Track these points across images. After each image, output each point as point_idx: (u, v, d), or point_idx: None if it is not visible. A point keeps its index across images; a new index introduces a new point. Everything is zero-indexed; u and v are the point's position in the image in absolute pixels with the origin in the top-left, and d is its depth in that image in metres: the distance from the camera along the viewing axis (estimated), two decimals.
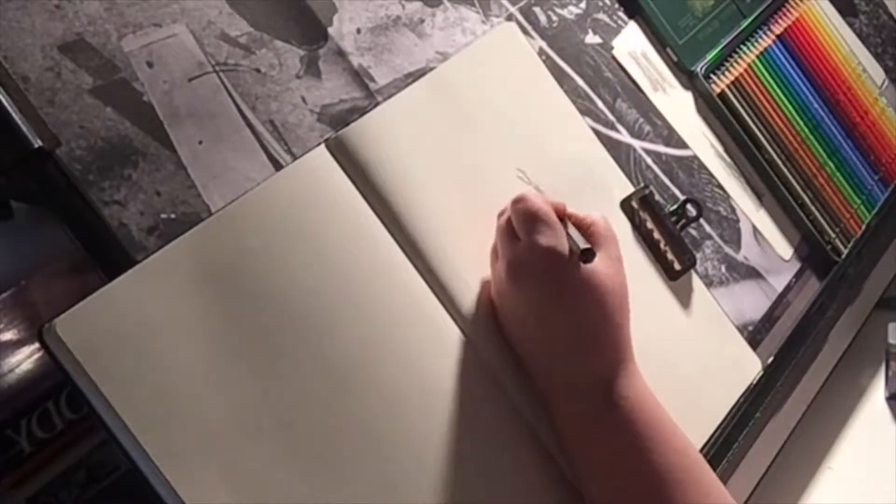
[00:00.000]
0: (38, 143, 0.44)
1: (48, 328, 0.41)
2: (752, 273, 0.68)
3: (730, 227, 0.68)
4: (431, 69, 0.57)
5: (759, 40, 0.74)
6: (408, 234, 0.51)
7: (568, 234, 0.48)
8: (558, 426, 0.49)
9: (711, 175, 0.69)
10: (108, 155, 0.47)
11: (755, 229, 0.69)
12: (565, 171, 0.59)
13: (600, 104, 0.65)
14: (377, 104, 0.55)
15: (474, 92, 0.57)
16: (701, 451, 0.57)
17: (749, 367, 0.63)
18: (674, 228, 0.61)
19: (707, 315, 0.62)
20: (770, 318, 0.67)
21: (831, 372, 0.78)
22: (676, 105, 0.70)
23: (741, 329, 0.64)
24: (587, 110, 0.64)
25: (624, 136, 0.65)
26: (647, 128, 0.67)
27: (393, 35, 0.59)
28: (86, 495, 0.49)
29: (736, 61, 0.72)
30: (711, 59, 0.71)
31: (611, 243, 0.50)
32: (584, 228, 0.50)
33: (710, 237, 0.66)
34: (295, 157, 0.51)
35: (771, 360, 0.65)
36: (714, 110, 0.71)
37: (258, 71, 0.53)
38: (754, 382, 0.63)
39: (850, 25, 0.83)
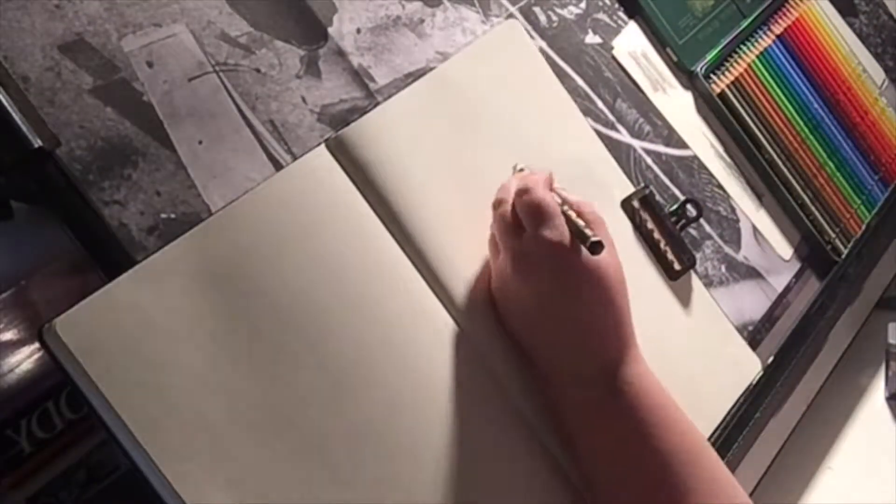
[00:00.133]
0: (38, 143, 0.44)
1: (48, 328, 0.41)
2: (752, 273, 0.68)
3: (730, 227, 0.68)
4: (431, 69, 0.57)
5: (759, 40, 0.74)
6: (408, 233, 0.51)
7: (572, 222, 0.48)
8: (562, 415, 0.49)
9: (711, 175, 0.69)
10: (108, 155, 0.47)
11: (755, 229, 0.69)
12: (566, 171, 0.59)
13: (600, 104, 0.65)
14: (377, 104, 0.55)
15: (475, 91, 0.57)
16: (708, 442, 0.57)
17: (749, 367, 0.63)
18: (674, 228, 0.61)
19: (707, 315, 0.62)
20: (770, 318, 0.67)
21: (831, 372, 0.78)
22: (676, 105, 0.70)
23: (741, 329, 0.64)
24: (587, 110, 0.64)
25: (624, 136, 0.65)
26: (647, 128, 0.67)
27: (393, 35, 0.59)
28: (86, 495, 0.49)
29: (736, 61, 0.72)
30: (711, 59, 0.71)
31: (603, 228, 0.50)
32: (583, 215, 0.50)
33: (710, 237, 0.66)
34: (295, 157, 0.51)
35: (771, 360, 0.65)
36: (714, 110, 0.71)
37: (258, 71, 0.53)
38: (754, 382, 0.63)
39: (850, 25, 0.83)
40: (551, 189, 0.51)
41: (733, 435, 0.61)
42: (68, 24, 0.48)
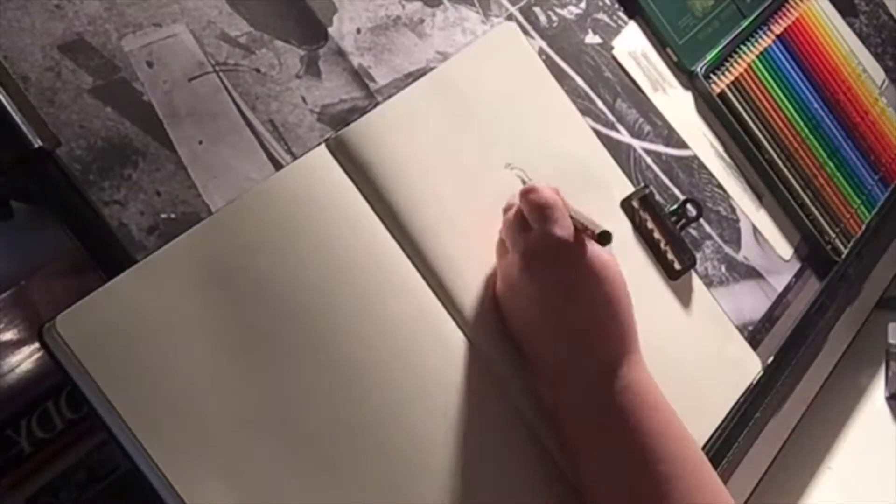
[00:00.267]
0: (38, 143, 0.44)
1: (48, 327, 0.41)
2: (752, 273, 0.68)
3: (730, 227, 0.68)
4: (431, 69, 0.57)
5: (759, 40, 0.74)
6: (408, 233, 0.51)
7: (576, 218, 0.48)
8: (561, 418, 0.49)
9: (711, 175, 0.69)
10: (108, 155, 0.47)
11: (755, 229, 0.69)
12: (566, 171, 0.59)
13: (600, 104, 0.65)
14: (377, 104, 0.55)
15: (474, 92, 0.57)
16: (701, 450, 0.57)
17: (749, 367, 0.63)
18: (674, 228, 0.61)
19: (707, 315, 0.62)
20: (770, 318, 0.67)
21: (831, 372, 0.78)
22: (676, 105, 0.70)
23: (741, 329, 0.64)
24: (587, 110, 0.64)
25: (624, 136, 0.65)
26: (647, 128, 0.67)
27: (393, 35, 0.59)
28: (86, 495, 0.49)
29: (736, 61, 0.72)
30: (711, 59, 0.71)
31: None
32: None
33: (710, 237, 0.66)
34: (295, 157, 0.51)
35: (771, 360, 0.65)
36: (714, 110, 0.71)
37: (258, 71, 0.53)
38: (754, 382, 0.63)
39: (850, 25, 0.83)
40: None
41: (733, 435, 0.61)
42: (68, 24, 0.48)
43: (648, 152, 0.66)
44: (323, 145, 0.51)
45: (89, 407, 0.41)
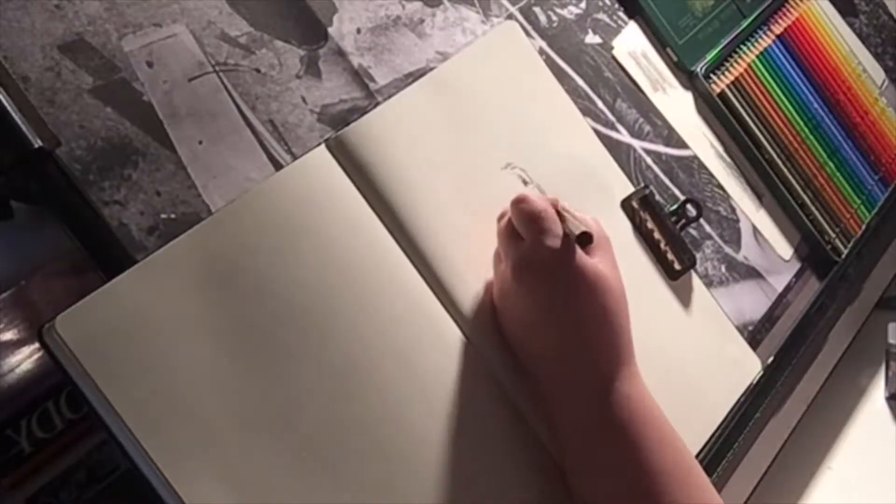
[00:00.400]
0: (38, 143, 0.44)
1: (48, 328, 0.41)
2: (752, 273, 0.68)
3: (730, 227, 0.68)
4: (431, 69, 0.57)
5: (759, 40, 0.74)
6: (408, 233, 0.51)
7: (565, 222, 0.48)
8: (558, 426, 0.49)
9: (711, 175, 0.69)
10: (108, 155, 0.47)
11: (755, 229, 0.69)
12: (566, 171, 0.59)
13: (600, 104, 0.65)
14: (377, 104, 0.55)
15: (475, 91, 0.57)
16: (701, 451, 0.57)
17: (749, 367, 0.63)
18: (674, 228, 0.61)
19: (707, 315, 0.62)
20: (770, 318, 0.67)
21: (831, 372, 0.78)
22: (676, 105, 0.70)
23: (741, 329, 0.64)
24: (587, 110, 0.64)
25: (624, 136, 0.65)
26: (647, 128, 0.67)
27: (393, 35, 0.59)
28: (86, 495, 0.49)
29: (736, 61, 0.72)
30: (711, 59, 0.71)
31: (606, 246, 0.50)
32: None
33: (710, 237, 0.66)
34: (295, 157, 0.51)
35: (771, 360, 0.65)
36: (714, 110, 0.71)
37: (258, 71, 0.53)
38: (754, 382, 0.63)
39: (850, 25, 0.83)
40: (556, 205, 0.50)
41: (733, 435, 0.61)
42: (68, 24, 0.48)
43: (648, 152, 0.66)
44: (323, 145, 0.51)
45: (89, 407, 0.41)
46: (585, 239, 0.47)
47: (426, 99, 0.55)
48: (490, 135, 0.57)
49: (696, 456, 0.56)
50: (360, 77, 0.56)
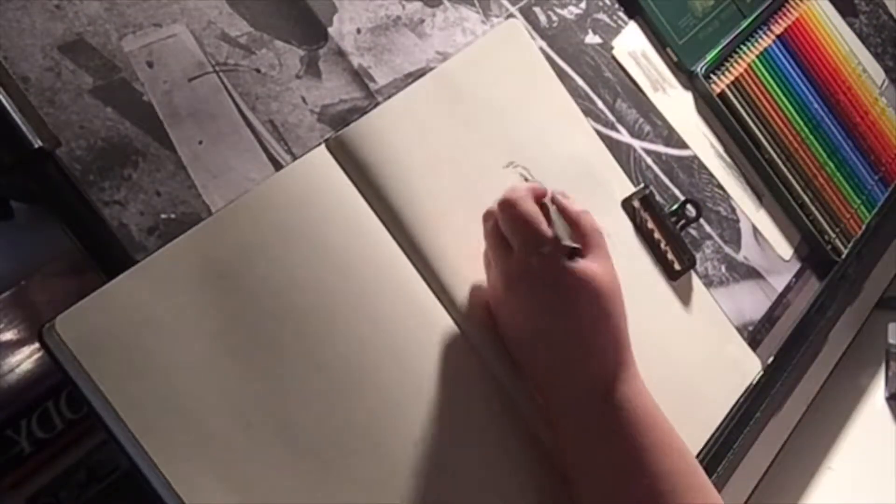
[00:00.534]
0: (38, 143, 0.44)
1: (48, 328, 0.41)
2: (752, 273, 0.68)
3: (730, 227, 0.68)
4: (431, 69, 0.57)
5: (759, 40, 0.74)
6: (408, 233, 0.51)
7: (553, 226, 0.48)
8: (558, 428, 0.49)
9: (711, 175, 0.69)
10: (108, 155, 0.47)
11: (755, 229, 0.69)
12: (567, 170, 0.59)
13: (600, 104, 0.65)
14: (377, 104, 0.55)
15: (476, 90, 0.57)
16: (701, 451, 0.57)
17: (749, 367, 0.63)
18: (674, 228, 0.61)
19: (707, 315, 0.62)
20: (770, 318, 0.67)
21: (831, 372, 0.78)
22: (676, 105, 0.70)
23: (741, 329, 0.64)
24: (587, 110, 0.64)
25: (624, 136, 0.65)
26: (647, 128, 0.67)
27: (393, 35, 0.59)
28: (86, 495, 0.49)
29: (736, 61, 0.72)
30: (711, 59, 0.71)
31: (598, 240, 0.49)
32: (569, 221, 0.49)
33: (710, 237, 0.66)
34: (295, 157, 0.51)
35: (771, 360, 0.65)
36: (714, 110, 0.71)
37: (258, 71, 0.53)
38: (754, 382, 0.63)
39: (850, 25, 0.83)
40: (545, 197, 0.49)
41: (733, 435, 0.61)
42: (68, 25, 0.48)
43: (648, 152, 0.66)
44: (323, 145, 0.51)
45: (89, 407, 0.41)
46: (574, 253, 0.47)
47: (426, 98, 0.55)
48: (491, 134, 0.57)
49: (696, 456, 0.56)
50: (360, 77, 0.56)
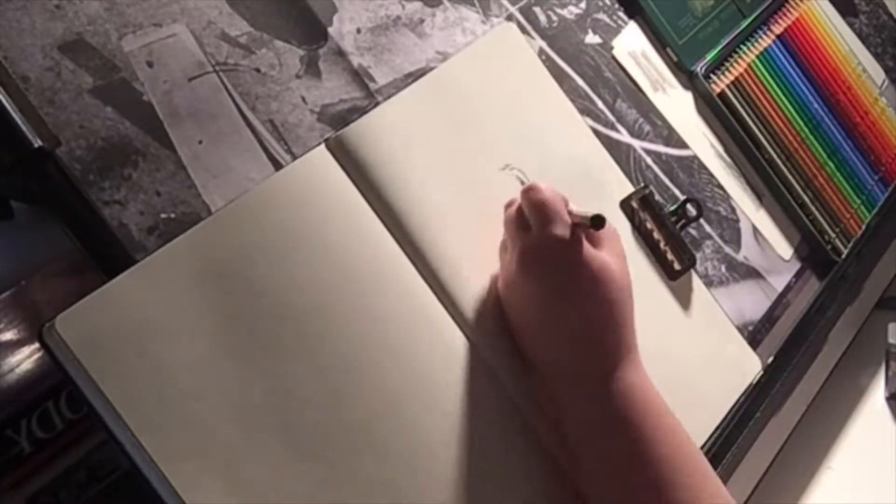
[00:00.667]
0: (38, 143, 0.44)
1: (48, 327, 0.41)
2: (752, 273, 0.68)
3: (730, 227, 0.68)
4: (431, 69, 0.57)
5: (759, 40, 0.74)
6: (407, 233, 0.51)
7: (576, 217, 0.48)
8: (561, 416, 0.49)
9: (711, 175, 0.69)
10: (108, 155, 0.47)
11: (755, 229, 0.69)
12: (565, 171, 0.59)
13: (600, 104, 0.65)
14: (377, 104, 0.55)
15: (474, 92, 0.57)
16: (701, 450, 0.57)
17: (749, 367, 0.63)
18: (674, 228, 0.61)
19: (707, 315, 0.62)
20: (770, 318, 0.67)
21: (831, 372, 0.78)
22: (676, 105, 0.70)
23: (741, 329, 0.64)
24: (587, 110, 0.64)
25: (624, 136, 0.65)
26: (647, 128, 0.67)
27: (393, 35, 0.59)
28: (86, 495, 0.49)
29: (736, 61, 0.72)
30: (711, 59, 0.71)
31: (615, 240, 0.51)
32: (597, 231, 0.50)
33: (710, 237, 0.66)
34: (295, 157, 0.51)
35: (771, 360, 0.65)
36: (714, 110, 0.71)
37: (258, 71, 0.53)
38: (754, 382, 0.63)
39: (850, 25, 0.82)
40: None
41: (733, 435, 0.61)
42: (68, 24, 0.48)
43: (648, 152, 0.66)
44: (323, 145, 0.51)
45: (89, 407, 0.41)
46: (599, 221, 0.47)
47: (426, 99, 0.55)
48: (489, 135, 0.57)
49: None
50: (360, 77, 0.56)
